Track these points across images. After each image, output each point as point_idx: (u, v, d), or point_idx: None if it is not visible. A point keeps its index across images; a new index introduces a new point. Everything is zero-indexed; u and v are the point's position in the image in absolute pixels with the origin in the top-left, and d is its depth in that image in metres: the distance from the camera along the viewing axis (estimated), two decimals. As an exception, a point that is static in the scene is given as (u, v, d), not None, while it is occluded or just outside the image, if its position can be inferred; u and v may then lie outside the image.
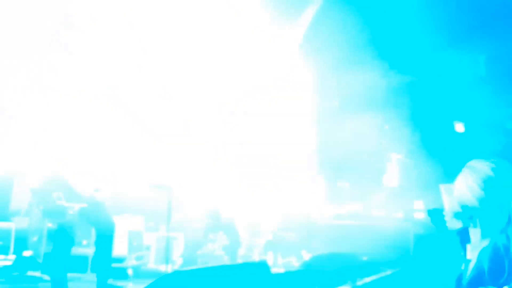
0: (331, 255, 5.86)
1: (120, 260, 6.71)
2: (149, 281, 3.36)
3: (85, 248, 7.28)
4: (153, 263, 7.33)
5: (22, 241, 6.71)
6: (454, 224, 2.08)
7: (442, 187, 2.08)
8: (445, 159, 10.55)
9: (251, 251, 8.11)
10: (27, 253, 6.35)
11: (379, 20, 8.08)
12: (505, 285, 1.26)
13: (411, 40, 8.52)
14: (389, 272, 7.10)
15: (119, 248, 6.73)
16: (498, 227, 1.42)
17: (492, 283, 1.31)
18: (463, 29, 8.12)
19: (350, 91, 9.56)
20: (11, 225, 6.76)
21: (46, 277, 6.13)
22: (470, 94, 9.70)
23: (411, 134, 11.26)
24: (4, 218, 7.16)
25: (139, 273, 6.94)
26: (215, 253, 7.39)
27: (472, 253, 1.51)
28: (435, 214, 2.13)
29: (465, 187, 1.56)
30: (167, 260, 4.81)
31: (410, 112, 10.31)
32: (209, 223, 7.13)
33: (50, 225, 7.45)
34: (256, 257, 7.75)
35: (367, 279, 6.09)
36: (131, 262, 6.81)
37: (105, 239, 5.52)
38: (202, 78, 8.78)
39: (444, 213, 2.13)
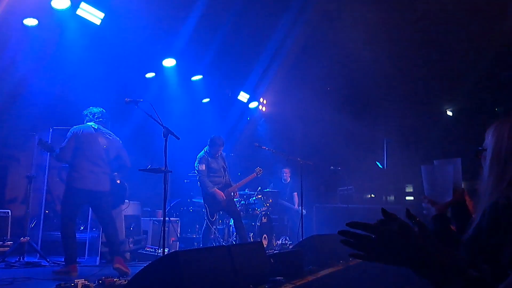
0: (325, 236, 5.97)
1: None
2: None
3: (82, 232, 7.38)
4: (150, 247, 7.45)
5: (19, 228, 6.78)
6: (447, 199, 2.13)
7: (436, 163, 2.09)
8: (435, 143, 10.72)
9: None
10: (24, 240, 6.40)
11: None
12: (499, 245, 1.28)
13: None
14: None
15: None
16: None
17: (488, 243, 1.35)
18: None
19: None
20: (8, 212, 6.82)
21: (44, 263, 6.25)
22: (459, 78, 9.81)
23: (401, 118, 11.40)
24: (1, 205, 7.22)
25: (136, 257, 7.06)
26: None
27: (477, 213, 1.54)
28: None
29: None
30: (164, 244, 4.89)
31: (401, 97, 10.42)
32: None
33: (47, 212, 7.53)
34: (250, 239, 7.88)
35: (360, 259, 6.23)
36: (128, 247, 6.91)
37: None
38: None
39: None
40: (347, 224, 1.29)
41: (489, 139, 1.59)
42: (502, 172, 1.47)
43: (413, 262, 1.20)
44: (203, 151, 7.44)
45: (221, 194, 7.18)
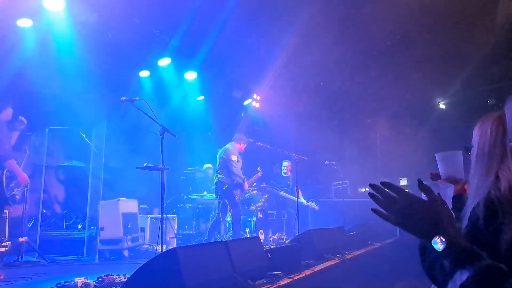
0: (321, 231, 6.04)
1: (115, 242, 6.87)
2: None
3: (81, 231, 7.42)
4: (148, 245, 7.50)
5: (17, 228, 6.79)
6: (450, 190, 2.20)
7: (438, 156, 2.22)
8: (428, 136, 10.80)
9: (242, 229, 8.31)
10: (22, 239, 6.43)
11: None
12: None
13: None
14: (377, 245, 7.35)
15: (114, 230, 6.89)
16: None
17: (485, 234, 1.33)
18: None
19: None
20: (6, 212, 6.82)
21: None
22: (451, 71, 9.86)
23: (394, 112, 11.47)
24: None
25: (134, 254, 7.11)
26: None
27: (466, 208, 1.53)
28: None
29: None
30: (161, 241, 4.93)
31: (394, 90, 10.47)
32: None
33: (44, 211, 7.55)
34: (247, 235, 7.95)
35: (356, 253, 6.31)
36: (126, 244, 6.95)
37: None
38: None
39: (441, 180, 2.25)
40: (381, 183, 1.35)
41: (474, 136, 1.62)
42: (487, 168, 1.48)
43: (430, 237, 1.24)
44: (231, 144, 7.67)
45: (247, 188, 7.73)
